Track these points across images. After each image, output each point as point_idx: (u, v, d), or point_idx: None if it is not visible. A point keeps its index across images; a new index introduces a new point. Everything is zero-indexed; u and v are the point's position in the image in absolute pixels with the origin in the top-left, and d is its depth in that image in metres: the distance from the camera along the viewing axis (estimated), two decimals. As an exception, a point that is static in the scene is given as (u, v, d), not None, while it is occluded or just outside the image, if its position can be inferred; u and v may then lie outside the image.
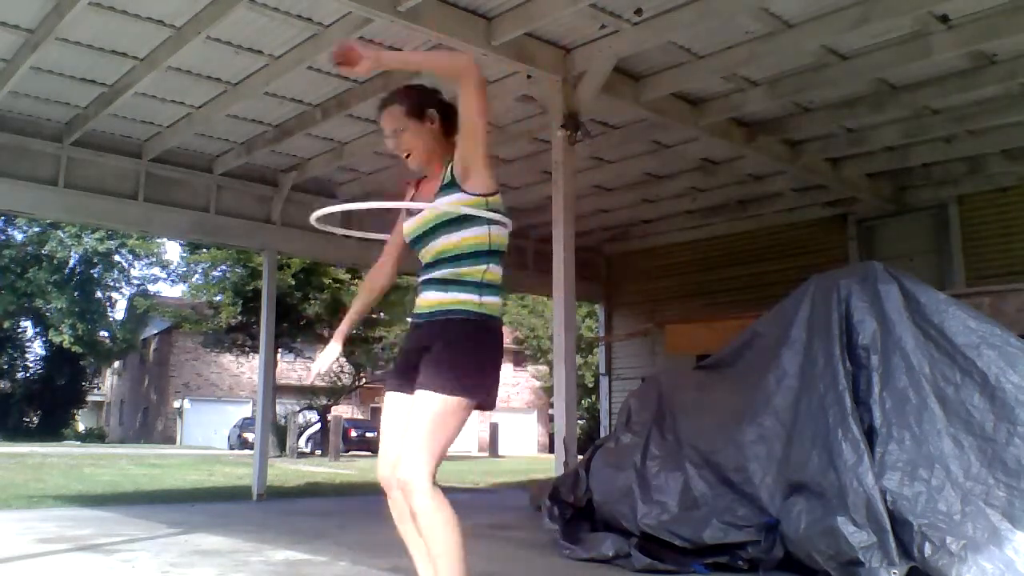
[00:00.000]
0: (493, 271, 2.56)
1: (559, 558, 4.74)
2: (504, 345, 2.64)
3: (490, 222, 2.55)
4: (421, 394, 2.44)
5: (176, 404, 37.90)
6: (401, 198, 2.76)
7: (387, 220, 2.89)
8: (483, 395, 2.48)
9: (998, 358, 4.08)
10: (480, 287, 2.53)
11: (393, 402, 2.62)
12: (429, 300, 2.56)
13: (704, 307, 10.87)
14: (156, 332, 39.07)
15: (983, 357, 4.12)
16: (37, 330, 38.92)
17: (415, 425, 2.43)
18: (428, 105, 2.72)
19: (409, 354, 2.60)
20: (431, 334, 2.52)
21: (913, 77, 6.88)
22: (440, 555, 2.34)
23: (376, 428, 31.48)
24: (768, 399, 4.69)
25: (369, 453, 28.46)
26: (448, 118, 2.73)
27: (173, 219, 9.00)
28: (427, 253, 2.60)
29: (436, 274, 2.56)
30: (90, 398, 44.35)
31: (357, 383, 30.66)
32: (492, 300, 2.54)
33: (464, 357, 2.47)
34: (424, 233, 2.59)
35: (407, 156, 2.71)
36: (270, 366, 9.90)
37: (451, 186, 2.57)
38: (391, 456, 2.52)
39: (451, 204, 2.54)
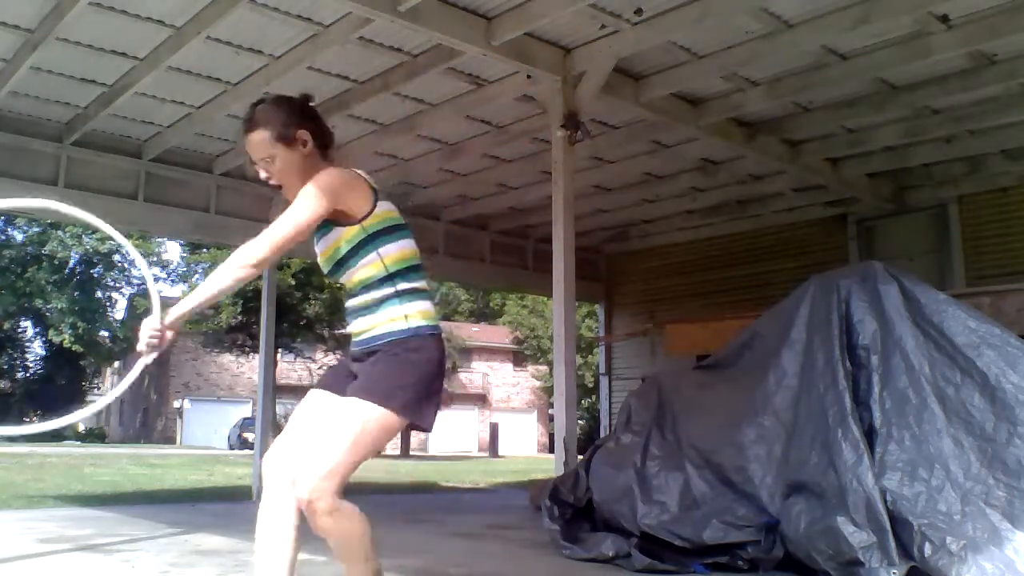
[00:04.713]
0: (403, 285, 2.39)
1: (559, 558, 4.74)
2: (442, 358, 2.42)
3: (377, 247, 2.38)
4: (348, 401, 2.30)
5: (176, 404, 37.91)
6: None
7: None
8: (413, 414, 2.32)
9: (998, 358, 4.08)
10: (400, 298, 2.38)
11: (312, 396, 2.48)
12: (361, 327, 2.42)
13: (704, 307, 10.86)
14: (156, 332, 39.02)
15: (983, 357, 4.12)
16: (37, 330, 39.01)
17: (330, 432, 2.26)
18: (297, 125, 2.45)
19: (345, 366, 2.51)
20: (366, 359, 2.40)
21: (913, 77, 6.88)
22: (354, 565, 2.31)
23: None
24: (768, 399, 4.69)
25: (369, 453, 28.43)
26: (323, 135, 2.51)
27: (173, 219, 9.00)
28: (348, 283, 2.46)
29: (358, 301, 2.43)
30: (90, 398, 44.35)
31: (357, 383, 30.62)
32: (419, 308, 2.38)
33: (396, 371, 2.32)
34: (335, 266, 2.45)
35: (280, 187, 2.48)
36: (270, 366, 9.90)
37: (326, 225, 2.39)
38: (284, 450, 2.39)
39: (334, 243, 2.40)
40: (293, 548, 2.35)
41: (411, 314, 2.37)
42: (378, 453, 2.40)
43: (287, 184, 2.46)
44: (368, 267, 2.39)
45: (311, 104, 2.55)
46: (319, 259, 2.48)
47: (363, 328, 2.40)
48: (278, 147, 2.43)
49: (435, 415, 2.38)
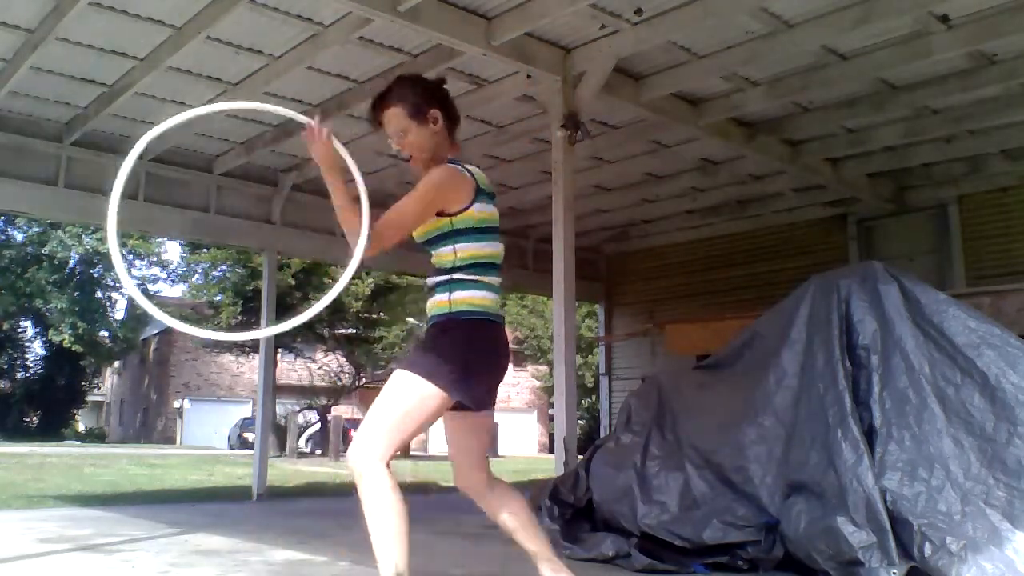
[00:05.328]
0: (459, 275, 2.56)
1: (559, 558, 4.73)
2: (480, 340, 2.55)
3: (456, 242, 2.57)
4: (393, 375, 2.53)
5: (176, 404, 37.92)
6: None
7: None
8: (444, 384, 2.44)
9: (998, 358, 4.08)
10: (451, 285, 2.56)
11: (445, 419, 2.67)
12: (427, 308, 2.65)
13: (704, 307, 10.87)
14: (156, 332, 39.09)
15: (983, 357, 4.12)
16: (37, 330, 38.96)
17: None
18: (430, 104, 2.66)
19: None
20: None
21: (913, 77, 6.88)
22: (375, 543, 2.33)
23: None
24: (768, 399, 4.69)
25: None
26: (451, 117, 2.70)
27: (173, 219, 9.00)
28: (433, 259, 2.67)
29: (430, 282, 2.65)
30: (90, 398, 44.37)
31: (357, 383, 30.69)
32: (463, 296, 2.54)
33: (435, 347, 2.52)
34: (425, 242, 2.65)
35: (410, 159, 2.69)
36: (270, 366, 9.91)
37: None
38: (461, 468, 2.71)
39: (425, 227, 2.60)
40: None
41: (456, 300, 2.54)
42: (427, 421, 2.51)
43: (416, 157, 2.67)
44: (445, 255, 2.59)
45: (444, 87, 2.75)
46: (414, 232, 2.64)
47: (428, 309, 2.64)
48: (411, 123, 2.63)
49: (475, 394, 2.51)
